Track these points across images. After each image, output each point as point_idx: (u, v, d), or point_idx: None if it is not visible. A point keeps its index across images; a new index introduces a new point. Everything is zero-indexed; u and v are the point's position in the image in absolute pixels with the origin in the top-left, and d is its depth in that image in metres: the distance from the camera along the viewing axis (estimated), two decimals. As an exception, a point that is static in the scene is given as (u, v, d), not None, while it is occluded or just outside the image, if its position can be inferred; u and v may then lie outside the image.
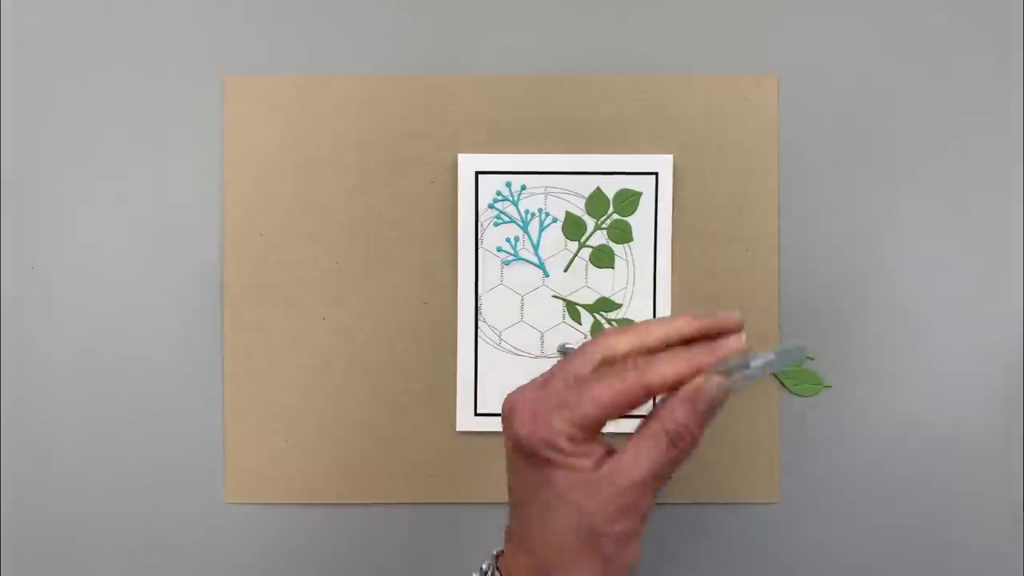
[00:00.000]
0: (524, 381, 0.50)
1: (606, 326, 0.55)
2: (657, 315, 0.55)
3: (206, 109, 0.56)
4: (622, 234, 0.55)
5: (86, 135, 0.56)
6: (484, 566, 0.44)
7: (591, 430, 0.40)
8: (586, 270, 0.55)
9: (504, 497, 0.56)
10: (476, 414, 0.56)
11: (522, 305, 0.55)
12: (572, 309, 0.55)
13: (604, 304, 0.55)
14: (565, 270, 0.55)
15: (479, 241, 0.55)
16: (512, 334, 0.55)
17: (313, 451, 0.56)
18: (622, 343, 0.41)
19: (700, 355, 0.41)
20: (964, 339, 0.56)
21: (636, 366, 0.40)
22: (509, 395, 0.42)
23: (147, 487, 0.56)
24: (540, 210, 0.55)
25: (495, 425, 0.55)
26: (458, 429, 0.56)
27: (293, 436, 0.56)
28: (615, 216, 0.55)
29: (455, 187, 0.55)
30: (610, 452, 0.41)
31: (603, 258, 0.55)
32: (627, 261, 0.55)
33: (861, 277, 0.56)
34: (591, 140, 0.55)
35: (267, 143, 0.56)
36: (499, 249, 0.55)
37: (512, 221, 0.55)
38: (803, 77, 0.55)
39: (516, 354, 0.55)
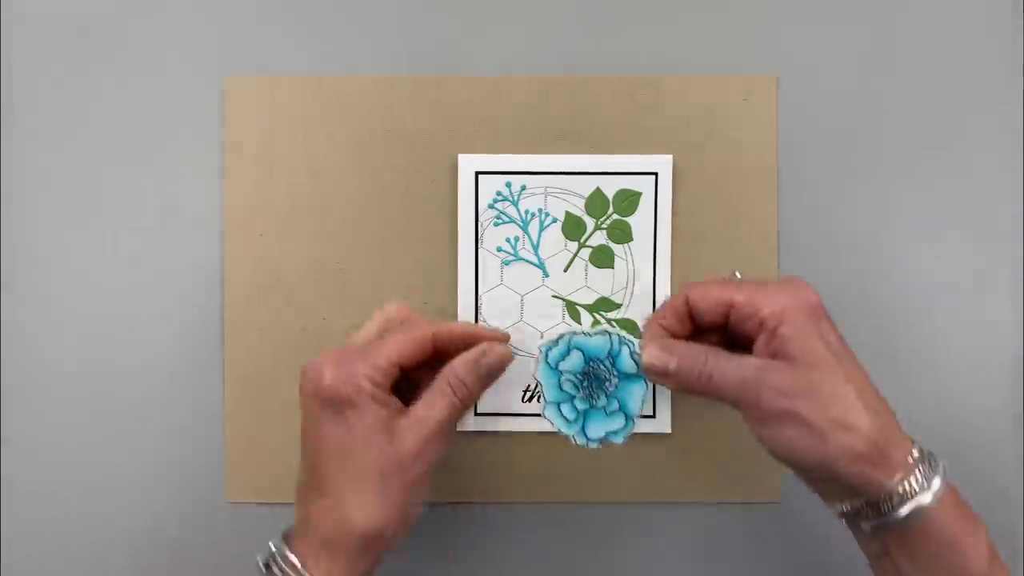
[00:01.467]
0: (524, 382, 0.55)
1: (606, 326, 0.55)
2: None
3: (206, 109, 0.56)
4: (622, 234, 0.55)
5: (86, 135, 0.56)
6: (271, 549, 0.46)
7: (389, 376, 0.46)
8: (586, 270, 0.55)
9: (503, 496, 0.56)
10: (476, 414, 0.56)
11: (522, 305, 0.55)
12: (572, 309, 0.55)
13: (604, 304, 0.55)
14: (565, 270, 0.55)
15: (479, 241, 0.55)
16: (512, 334, 0.55)
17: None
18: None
19: (485, 330, 0.50)
20: (964, 339, 0.56)
21: (430, 321, 0.49)
22: (309, 362, 0.46)
23: (147, 487, 0.56)
24: (540, 210, 0.55)
25: (495, 425, 0.56)
26: (458, 428, 0.55)
27: (293, 436, 0.55)
28: (615, 216, 0.55)
29: (455, 187, 0.55)
30: (401, 409, 0.46)
31: (603, 258, 0.55)
32: (627, 261, 0.55)
33: (861, 277, 0.56)
34: (591, 140, 0.55)
35: (267, 143, 0.56)
36: (499, 249, 0.55)
37: (512, 221, 0.55)
38: (803, 77, 0.55)
39: (516, 354, 0.55)
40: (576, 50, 0.56)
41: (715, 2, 0.55)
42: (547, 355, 0.51)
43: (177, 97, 0.56)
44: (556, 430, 0.50)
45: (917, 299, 0.55)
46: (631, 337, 0.50)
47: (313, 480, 0.45)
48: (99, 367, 0.56)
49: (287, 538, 0.46)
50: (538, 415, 0.55)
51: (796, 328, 0.44)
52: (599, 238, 0.55)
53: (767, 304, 0.44)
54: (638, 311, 0.55)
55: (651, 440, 0.56)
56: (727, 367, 0.45)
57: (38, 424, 0.56)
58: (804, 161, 0.55)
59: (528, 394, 0.55)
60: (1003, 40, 0.55)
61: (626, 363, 0.50)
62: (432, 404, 0.46)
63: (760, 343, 0.45)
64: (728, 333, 0.47)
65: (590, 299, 0.55)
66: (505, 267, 0.55)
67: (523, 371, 0.55)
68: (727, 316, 0.46)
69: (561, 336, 0.50)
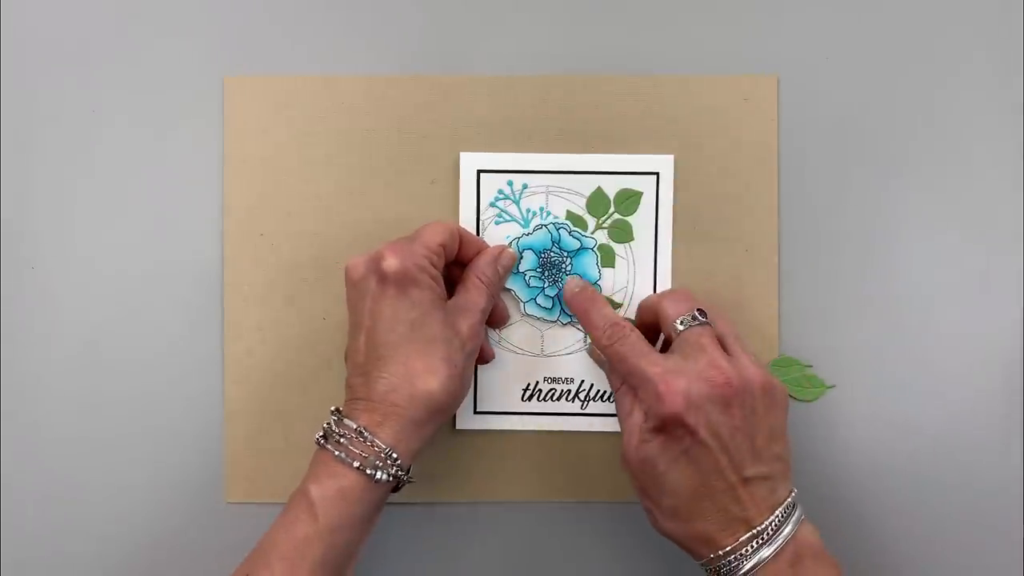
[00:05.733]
0: (523, 380, 0.56)
1: (539, 219, 0.56)
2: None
3: (206, 109, 0.56)
4: (623, 233, 0.55)
5: (86, 135, 0.56)
6: (329, 424, 0.48)
7: (440, 257, 0.50)
8: (586, 269, 0.55)
9: (503, 496, 0.56)
10: (475, 412, 0.56)
11: (522, 304, 0.55)
12: (572, 309, 0.56)
13: (605, 303, 0.55)
14: (565, 270, 0.56)
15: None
16: (512, 333, 0.55)
17: (313, 451, 0.55)
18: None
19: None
20: (964, 339, 0.56)
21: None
22: (360, 254, 0.50)
23: (147, 487, 0.56)
24: (541, 209, 0.55)
25: (495, 423, 0.56)
26: (457, 427, 0.56)
27: (293, 436, 0.56)
28: (616, 215, 0.55)
29: (455, 187, 0.55)
30: (444, 296, 0.51)
31: (604, 257, 0.55)
32: (628, 260, 0.55)
33: (861, 277, 0.56)
34: (591, 140, 0.55)
35: (267, 143, 0.56)
36: (500, 248, 0.55)
37: (513, 220, 0.55)
38: (803, 77, 0.55)
39: (516, 353, 0.55)
40: (576, 50, 0.56)
41: (715, 2, 0.56)
42: None
43: (177, 97, 0.56)
44: (542, 319, 0.55)
45: (917, 299, 0.56)
46: (564, 220, 0.55)
47: (375, 356, 0.48)
48: (99, 367, 0.56)
49: (341, 413, 0.49)
50: (539, 414, 0.55)
51: (648, 436, 0.47)
52: (600, 237, 0.55)
53: (642, 400, 0.48)
54: (639, 310, 0.55)
55: (651, 440, 0.56)
56: (621, 421, 0.50)
57: (38, 424, 0.56)
58: (804, 161, 0.55)
59: (528, 393, 0.55)
60: (1003, 40, 0.55)
61: (569, 242, 0.55)
62: (469, 293, 0.52)
63: (644, 421, 0.48)
64: None
65: (590, 299, 0.55)
66: (506, 266, 0.55)
67: (523, 370, 0.55)
68: None
69: (509, 245, 0.55)
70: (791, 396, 0.55)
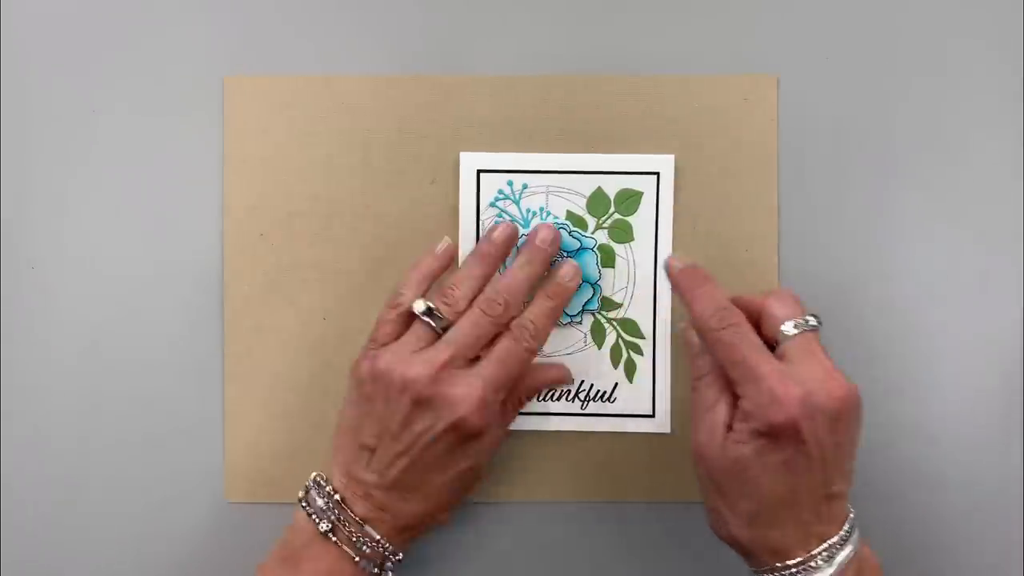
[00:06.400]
0: None
1: (606, 325, 0.55)
2: (657, 315, 0.55)
3: (206, 109, 0.56)
4: (623, 233, 0.55)
5: (86, 135, 0.56)
6: (325, 493, 0.49)
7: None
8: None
9: (503, 496, 0.56)
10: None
11: (523, 304, 0.55)
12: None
13: (605, 303, 0.55)
14: (565, 270, 0.55)
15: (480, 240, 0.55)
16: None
17: (313, 451, 0.56)
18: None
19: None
20: (964, 339, 0.56)
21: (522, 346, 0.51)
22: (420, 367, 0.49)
23: (147, 487, 0.56)
24: (542, 209, 0.55)
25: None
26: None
27: (293, 436, 0.56)
28: (616, 216, 0.55)
29: (456, 187, 0.55)
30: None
31: (604, 257, 0.55)
32: (628, 260, 0.55)
33: (861, 277, 0.56)
34: (591, 140, 0.55)
35: (267, 143, 0.56)
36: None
37: (513, 220, 0.55)
38: (803, 77, 0.55)
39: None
40: (577, 50, 0.56)
41: (715, 2, 0.56)
42: (504, 264, 0.53)
43: (177, 97, 0.56)
44: None
45: (917, 299, 0.56)
46: (564, 220, 0.55)
47: (409, 482, 0.49)
48: (99, 367, 0.56)
49: (338, 498, 0.49)
50: (538, 414, 0.55)
51: (746, 439, 0.45)
52: (601, 237, 0.55)
53: (746, 400, 0.45)
54: (639, 311, 0.55)
55: (651, 440, 0.56)
56: (699, 397, 0.48)
57: (38, 424, 0.56)
58: (804, 161, 0.55)
59: (538, 398, 0.55)
60: (1003, 40, 0.55)
61: (569, 242, 0.54)
62: (498, 435, 0.52)
63: (743, 419, 0.46)
64: None
65: (591, 299, 0.56)
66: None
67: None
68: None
69: None
70: None
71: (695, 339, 0.49)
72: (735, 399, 0.46)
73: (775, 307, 0.47)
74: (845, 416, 0.45)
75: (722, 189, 0.55)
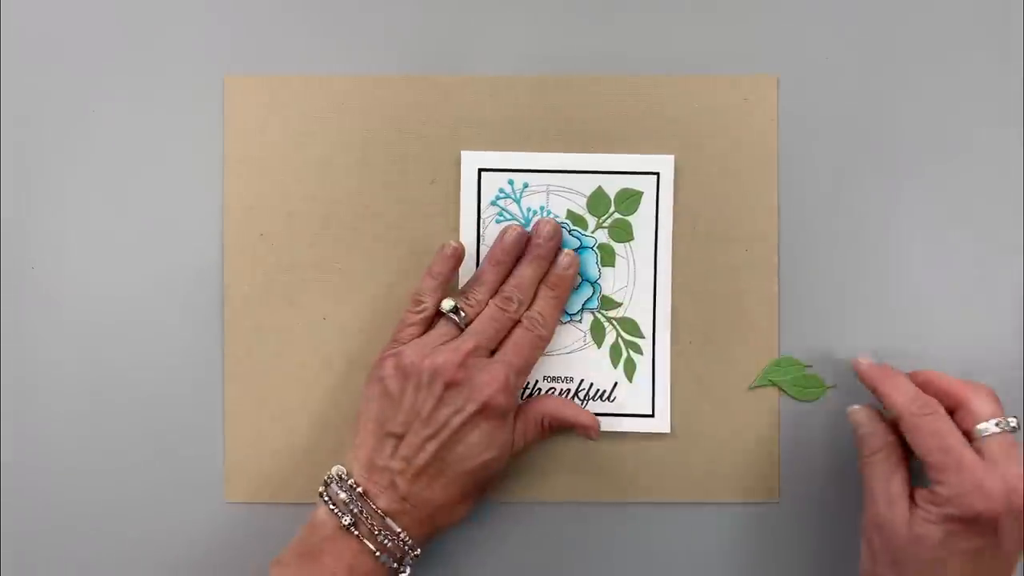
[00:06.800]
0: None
1: (606, 324, 0.55)
2: (657, 314, 0.55)
3: (206, 109, 0.56)
4: (623, 233, 0.55)
5: (86, 135, 0.56)
6: (347, 487, 0.50)
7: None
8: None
9: (503, 496, 0.56)
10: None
11: (523, 304, 0.55)
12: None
13: (604, 302, 0.55)
14: (566, 269, 0.55)
15: (480, 239, 0.55)
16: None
17: (313, 451, 0.56)
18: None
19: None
20: (964, 339, 0.56)
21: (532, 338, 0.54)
22: (466, 373, 0.50)
23: (147, 487, 0.56)
24: (542, 208, 0.55)
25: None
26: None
27: (293, 436, 0.56)
28: (616, 215, 0.55)
29: (456, 187, 0.55)
30: None
31: (604, 256, 0.55)
32: (628, 260, 0.55)
33: (861, 277, 0.56)
34: (590, 140, 0.55)
35: (267, 143, 0.56)
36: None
37: (514, 219, 0.55)
38: (803, 77, 0.55)
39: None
40: (577, 50, 0.56)
41: (715, 2, 0.56)
42: None
43: (177, 97, 0.56)
44: None
45: (917, 299, 0.56)
46: (564, 220, 0.55)
47: (436, 468, 0.50)
48: (99, 367, 0.56)
49: (359, 490, 0.50)
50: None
51: (938, 520, 0.46)
52: (600, 236, 0.55)
53: (947, 486, 0.46)
54: (639, 310, 0.55)
55: (651, 440, 0.56)
56: (876, 476, 0.50)
57: (37, 424, 0.56)
58: (804, 161, 0.55)
59: (527, 392, 0.55)
60: (1003, 40, 0.55)
61: (569, 241, 0.55)
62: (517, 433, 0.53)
63: (920, 494, 0.48)
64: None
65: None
66: (506, 266, 0.55)
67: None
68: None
69: None
70: (791, 396, 0.55)
71: (863, 418, 0.51)
72: (908, 476, 0.49)
73: (976, 403, 0.48)
74: None
75: (722, 189, 0.55)
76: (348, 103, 0.56)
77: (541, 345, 0.53)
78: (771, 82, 0.55)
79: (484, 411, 0.50)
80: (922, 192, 0.55)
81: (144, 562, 0.56)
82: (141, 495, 0.56)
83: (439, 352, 0.50)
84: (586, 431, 0.53)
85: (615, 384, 0.55)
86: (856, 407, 0.52)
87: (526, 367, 0.53)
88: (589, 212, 0.55)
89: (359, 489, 0.49)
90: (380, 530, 0.49)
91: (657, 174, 0.55)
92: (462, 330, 0.52)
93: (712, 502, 0.56)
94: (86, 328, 0.56)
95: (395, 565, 0.50)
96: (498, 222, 0.55)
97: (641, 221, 0.55)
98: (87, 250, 0.56)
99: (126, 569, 0.56)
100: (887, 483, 0.49)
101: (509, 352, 0.52)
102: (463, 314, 0.52)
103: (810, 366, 0.55)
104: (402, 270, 0.56)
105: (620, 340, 0.55)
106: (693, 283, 0.55)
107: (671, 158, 0.55)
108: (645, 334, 0.55)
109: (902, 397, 0.49)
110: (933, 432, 0.47)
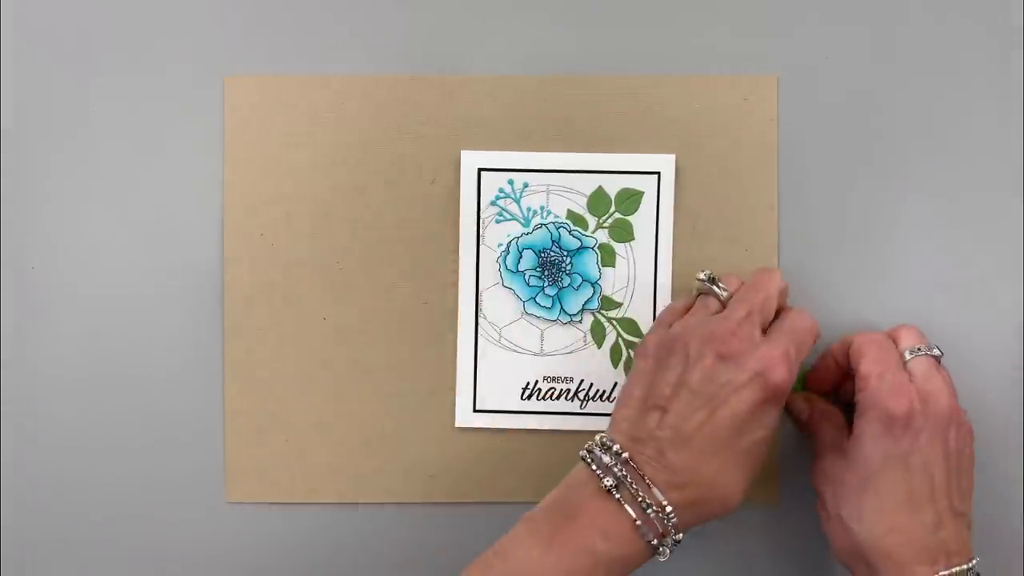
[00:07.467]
0: (523, 378, 0.56)
1: (606, 325, 0.55)
2: (657, 314, 0.55)
3: (206, 109, 0.56)
4: (623, 233, 0.55)
5: (86, 135, 0.56)
6: (612, 452, 0.47)
7: None
8: (587, 269, 0.56)
9: (503, 496, 0.56)
10: (475, 410, 0.56)
11: (523, 303, 0.55)
12: (573, 308, 0.56)
13: (605, 303, 0.55)
14: (566, 269, 0.56)
15: (480, 238, 0.55)
16: (512, 331, 0.55)
17: (313, 451, 0.56)
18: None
19: None
20: (964, 339, 0.55)
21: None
22: (763, 354, 0.47)
23: (147, 487, 0.56)
24: (542, 208, 0.55)
25: (494, 422, 0.56)
26: (457, 425, 0.56)
27: (293, 436, 0.56)
28: (617, 215, 0.55)
29: (456, 187, 0.55)
30: None
31: (604, 256, 0.55)
32: (628, 260, 0.55)
33: (861, 277, 0.56)
34: (590, 140, 0.55)
35: (267, 143, 0.56)
36: (500, 246, 0.55)
37: (514, 218, 0.55)
38: (803, 77, 0.55)
39: (515, 351, 0.55)
40: (577, 50, 0.56)
41: (715, 2, 0.56)
42: (504, 263, 0.55)
43: (177, 97, 0.56)
44: (542, 318, 0.55)
45: (917, 299, 0.56)
46: (564, 219, 0.55)
47: (708, 447, 0.46)
48: (99, 367, 0.56)
49: (638, 469, 0.46)
50: (539, 412, 0.55)
51: (867, 429, 0.48)
52: (601, 236, 0.55)
53: (868, 392, 0.49)
54: (639, 310, 0.55)
55: (651, 440, 0.55)
56: (820, 438, 0.52)
57: (38, 424, 0.56)
58: (804, 161, 0.55)
59: (527, 392, 0.55)
60: (1003, 39, 0.55)
61: (569, 241, 0.55)
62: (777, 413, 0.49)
63: (861, 412, 0.49)
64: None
65: (591, 298, 0.56)
66: (506, 265, 0.56)
67: (522, 369, 0.55)
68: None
69: (509, 244, 0.55)
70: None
71: (799, 400, 0.53)
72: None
73: (904, 335, 0.51)
74: (959, 429, 0.48)
75: (722, 189, 0.55)
76: (348, 103, 0.56)
77: (815, 332, 0.49)
78: (771, 82, 0.55)
79: (758, 382, 0.46)
80: (922, 192, 0.55)
81: (144, 562, 0.56)
82: (141, 495, 0.56)
83: (709, 322, 0.47)
84: None
85: (615, 384, 0.55)
86: (794, 395, 0.53)
87: (803, 348, 0.48)
88: (589, 212, 0.55)
89: (624, 455, 0.46)
90: (644, 497, 0.45)
91: (658, 174, 0.55)
92: (724, 306, 0.49)
93: (712, 502, 0.56)
94: (86, 328, 0.56)
95: (654, 542, 0.45)
96: (498, 222, 0.55)
97: (642, 221, 0.55)
98: (87, 250, 0.56)
99: (127, 569, 0.56)
100: (829, 437, 0.51)
101: (785, 329, 0.48)
102: (722, 285, 0.50)
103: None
104: (402, 270, 0.56)
105: (620, 340, 0.55)
106: (693, 283, 0.55)
107: (672, 157, 0.55)
108: (645, 334, 0.55)
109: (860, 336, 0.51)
110: (875, 346, 0.50)
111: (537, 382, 0.55)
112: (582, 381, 0.55)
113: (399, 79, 0.56)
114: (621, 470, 0.45)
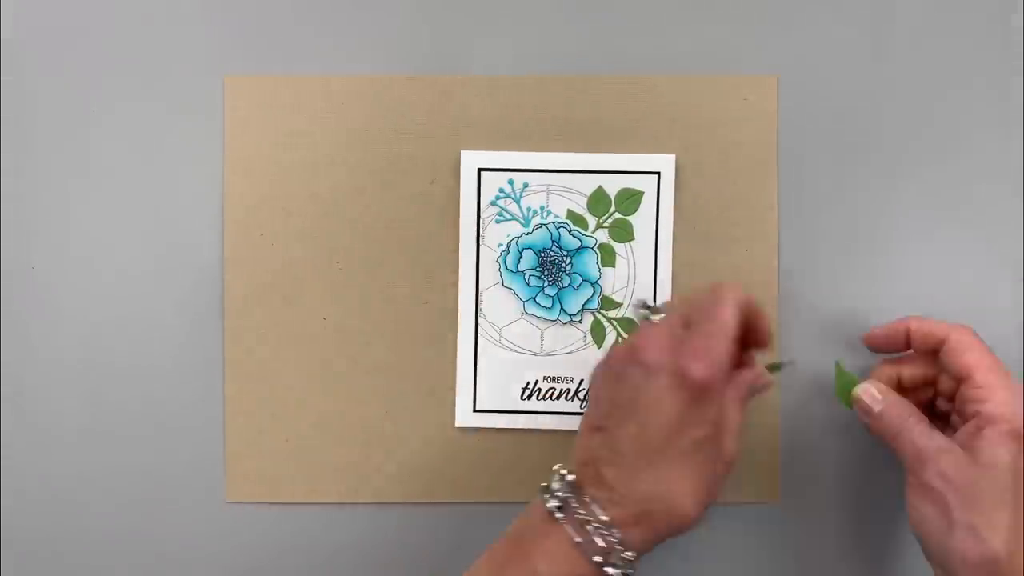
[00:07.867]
0: (523, 378, 0.56)
1: (606, 325, 0.55)
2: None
3: (206, 109, 0.56)
4: (623, 233, 0.55)
5: (86, 135, 0.56)
6: (560, 478, 0.47)
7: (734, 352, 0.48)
8: (587, 269, 0.56)
9: (503, 496, 0.56)
10: (475, 410, 0.56)
11: (523, 303, 0.55)
12: (572, 308, 0.56)
13: (605, 303, 0.55)
14: (566, 269, 0.56)
15: (480, 238, 0.55)
16: (512, 331, 0.55)
17: (313, 451, 0.56)
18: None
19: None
20: (964, 339, 0.55)
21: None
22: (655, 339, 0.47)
23: (148, 487, 0.56)
24: (542, 207, 0.55)
25: (494, 422, 0.56)
26: (457, 424, 0.56)
27: (293, 436, 0.56)
28: (617, 215, 0.55)
29: (455, 187, 0.55)
30: None
31: (604, 256, 0.55)
32: (628, 260, 0.55)
33: (861, 277, 0.56)
34: (590, 140, 0.55)
35: (267, 143, 0.56)
36: (500, 246, 0.55)
37: (514, 218, 0.55)
38: (803, 77, 0.55)
39: (515, 351, 0.55)
40: (576, 50, 0.56)
41: (715, 2, 0.56)
42: (504, 263, 0.55)
43: (177, 97, 0.56)
44: (542, 318, 0.55)
45: (917, 299, 0.55)
46: (564, 219, 0.55)
47: (644, 458, 0.45)
48: (99, 367, 0.56)
49: (580, 491, 0.46)
50: (538, 412, 0.55)
51: (1001, 441, 0.46)
52: (601, 236, 0.55)
53: (996, 404, 0.47)
54: (639, 310, 0.55)
55: (651, 440, 0.55)
56: (917, 436, 0.48)
57: (38, 424, 0.56)
58: (804, 161, 0.55)
59: (527, 391, 0.55)
60: (1003, 40, 0.55)
61: (569, 241, 0.55)
62: (734, 410, 0.47)
63: (966, 430, 0.47)
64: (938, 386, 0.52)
65: (591, 298, 0.56)
66: (506, 265, 0.56)
67: (522, 368, 0.55)
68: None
69: (509, 244, 0.55)
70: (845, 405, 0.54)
71: (881, 390, 0.51)
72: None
73: (955, 337, 0.50)
74: None
75: (722, 189, 0.55)
76: (348, 103, 0.56)
77: (728, 315, 0.47)
78: (771, 82, 0.55)
79: (682, 383, 0.45)
80: (922, 191, 0.55)
81: (144, 562, 0.56)
82: (141, 495, 0.56)
83: (634, 336, 0.48)
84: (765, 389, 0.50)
85: (615, 384, 0.55)
86: (864, 385, 0.51)
87: (721, 336, 0.46)
88: (589, 212, 0.55)
89: (570, 478, 0.46)
90: (590, 519, 0.45)
91: (658, 174, 0.55)
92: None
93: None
94: (86, 328, 0.56)
95: (599, 559, 0.44)
96: (498, 222, 0.55)
97: (642, 221, 0.55)
98: (87, 250, 0.56)
99: (127, 569, 0.56)
100: (931, 437, 0.48)
101: (704, 324, 0.46)
102: (659, 306, 0.50)
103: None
104: (402, 270, 0.56)
105: (620, 340, 0.55)
106: (693, 283, 0.55)
107: (672, 158, 0.55)
108: None
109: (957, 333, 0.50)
110: (981, 351, 0.49)
111: (537, 382, 0.56)
112: (582, 381, 0.55)
113: (399, 79, 0.56)
114: (566, 492, 0.46)
